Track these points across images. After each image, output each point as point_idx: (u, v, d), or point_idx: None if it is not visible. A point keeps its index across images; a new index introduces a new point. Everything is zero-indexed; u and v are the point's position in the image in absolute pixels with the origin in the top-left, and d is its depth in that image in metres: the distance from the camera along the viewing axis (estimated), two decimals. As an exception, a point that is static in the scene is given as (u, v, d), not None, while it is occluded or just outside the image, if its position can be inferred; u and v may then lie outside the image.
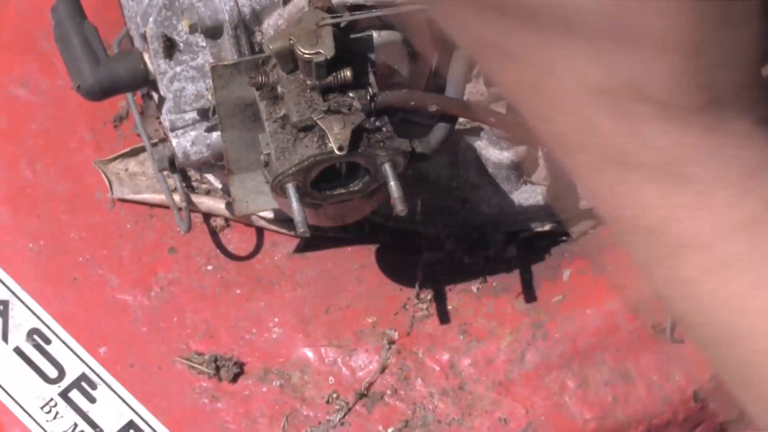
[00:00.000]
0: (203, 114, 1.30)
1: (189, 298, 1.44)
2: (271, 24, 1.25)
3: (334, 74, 1.19)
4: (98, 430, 1.40)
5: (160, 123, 1.45)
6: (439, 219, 1.50)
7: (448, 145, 1.35)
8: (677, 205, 0.63)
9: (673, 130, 0.61)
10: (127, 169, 1.51)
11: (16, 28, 1.58)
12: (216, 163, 1.33)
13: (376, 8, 1.23)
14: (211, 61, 1.25)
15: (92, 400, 1.41)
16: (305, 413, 1.39)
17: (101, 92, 1.27)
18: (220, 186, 1.49)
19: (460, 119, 1.33)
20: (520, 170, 1.48)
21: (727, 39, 0.59)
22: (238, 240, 1.48)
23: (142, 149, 1.51)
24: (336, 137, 1.18)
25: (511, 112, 1.43)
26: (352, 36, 1.23)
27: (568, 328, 1.38)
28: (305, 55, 1.18)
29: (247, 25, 1.25)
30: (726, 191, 0.62)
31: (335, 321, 1.42)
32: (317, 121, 1.19)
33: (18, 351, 1.43)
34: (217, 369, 1.40)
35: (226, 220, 1.48)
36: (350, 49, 1.22)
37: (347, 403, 1.38)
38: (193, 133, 1.31)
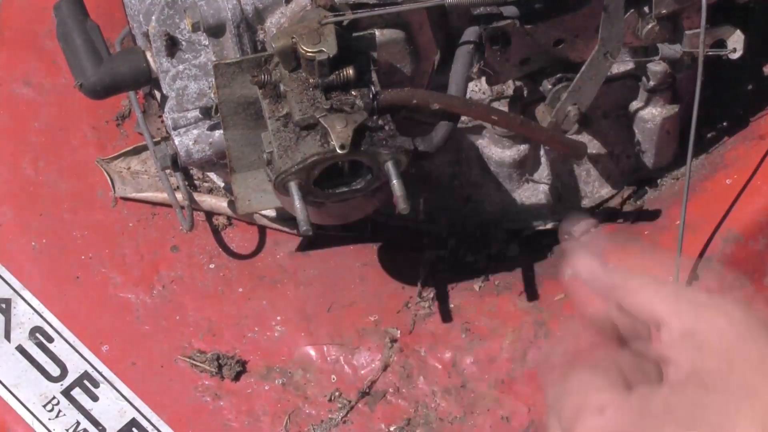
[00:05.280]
0: (206, 112, 1.30)
1: (191, 296, 1.44)
2: (273, 22, 1.26)
3: (337, 73, 1.20)
4: (101, 428, 1.40)
5: (163, 121, 1.46)
6: (442, 217, 1.50)
7: (451, 143, 1.35)
8: None
9: None
10: (129, 168, 1.51)
11: (19, 26, 1.59)
12: (218, 161, 1.33)
13: (378, 7, 1.23)
14: (214, 59, 1.25)
15: (95, 398, 1.41)
16: (308, 411, 1.39)
17: (103, 90, 1.27)
18: (222, 184, 1.49)
19: (463, 117, 1.33)
20: (523, 168, 1.48)
21: None
22: (241, 238, 1.48)
23: (145, 148, 1.52)
24: (338, 135, 1.18)
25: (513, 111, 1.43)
26: (355, 34, 1.23)
27: (570, 327, 1.38)
28: (308, 54, 1.18)
29: (249, 24, 1.25)
30: None
31: (337, 319, 1.42)
32: (320, 120, 1.19)
33: (20, 349, 1.43)
34: (220, 367, 1.40)
35: (229, 218, 1.49)
36: (353, 47, 1.22)
37: (349, 402, 1.38)
38: (195, 132, 1.31)
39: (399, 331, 1.41)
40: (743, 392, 0.79)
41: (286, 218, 1.46)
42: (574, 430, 0.84)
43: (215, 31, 1.25)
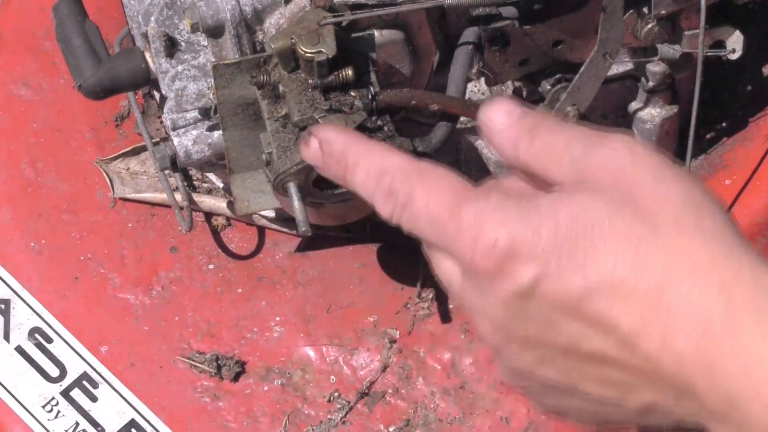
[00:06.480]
0: (205, 113, 1.30)
1: (190, 297, 1.44)
2: (272, 23, 1.26)
3: (336, 73, 1.20)
4: (100, 428, 1.40)
5: (162, 122, 1.46)
6: (441, 218, 1.50)
7: (450, 144, 1.35)
8: None
9: None
10: (128, 168, 1.51)
11: (18, 27, 1.58)
12: (217, 162, 1.33)
13: (377, 7, 1.23)
14: (213, 60, 1.25)
15: (94, 399, 1.41)
16: (306, 412, 1.39)
17: (102, 91, 1.27)
18: (221, 185, 1.49)
19: (462, 118, 1.33)
20: (522, 169, 1.47)
21: None
22: (240, 239, 1.48)
23: (144, 148, 1.52)
24: (337, 136, 1.18)
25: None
26: (354, 35, 1.23)
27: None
28: (307, 54, 1.18)
29: (248, 24, 1.25)
30: None
31: (336, 320, 1.42)
32: (318, 120, 1.19)
33: (19, 350, 1.43)
34: (219, 368, 1.40)
35: (228, 219, 1.49)
36: (352, 48, 1.22)
37: (348, 402, 1.38)
38: (194, 132, 1.31)
39: (398, 332, 1.41)
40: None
41: (285, 219, 1.46)
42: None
43: (214, 31, 1.25)
